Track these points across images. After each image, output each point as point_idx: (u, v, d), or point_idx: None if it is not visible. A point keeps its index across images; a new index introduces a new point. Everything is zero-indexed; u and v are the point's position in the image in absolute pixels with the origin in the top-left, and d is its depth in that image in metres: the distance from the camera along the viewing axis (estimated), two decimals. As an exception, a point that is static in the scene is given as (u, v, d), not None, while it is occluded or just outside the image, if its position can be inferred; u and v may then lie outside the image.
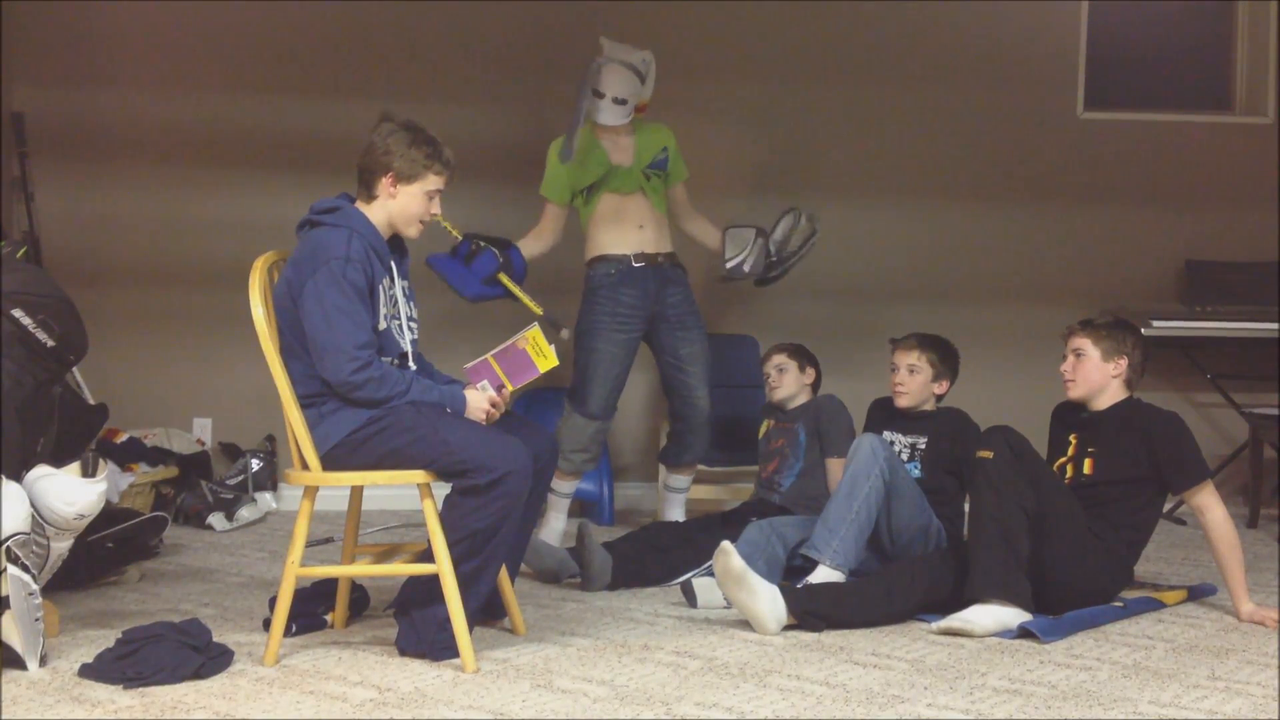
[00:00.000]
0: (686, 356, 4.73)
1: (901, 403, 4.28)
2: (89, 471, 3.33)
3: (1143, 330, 5.16)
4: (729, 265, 4.82)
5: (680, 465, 4.89)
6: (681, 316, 4.74)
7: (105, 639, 3.23)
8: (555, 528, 4.72)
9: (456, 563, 3.20)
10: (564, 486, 4.70)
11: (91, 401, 4.92)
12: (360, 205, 3.39)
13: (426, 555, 3.27)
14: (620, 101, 4.65)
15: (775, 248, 4.89)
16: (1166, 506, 4.46)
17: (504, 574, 3.44)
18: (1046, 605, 3.66)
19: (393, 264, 3.40)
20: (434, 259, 4.50)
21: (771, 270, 4.92)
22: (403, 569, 3.38)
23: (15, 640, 3.07)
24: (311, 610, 3.56)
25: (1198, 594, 4.08)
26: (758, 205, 5.88)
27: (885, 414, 4.37)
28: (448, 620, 3.19)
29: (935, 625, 3.61)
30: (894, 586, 3.69)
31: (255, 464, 5.49)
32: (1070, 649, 3.47)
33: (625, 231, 4.70)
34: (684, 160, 4.87)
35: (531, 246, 4.71)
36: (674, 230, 4.88)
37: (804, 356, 4.67)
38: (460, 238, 4.46)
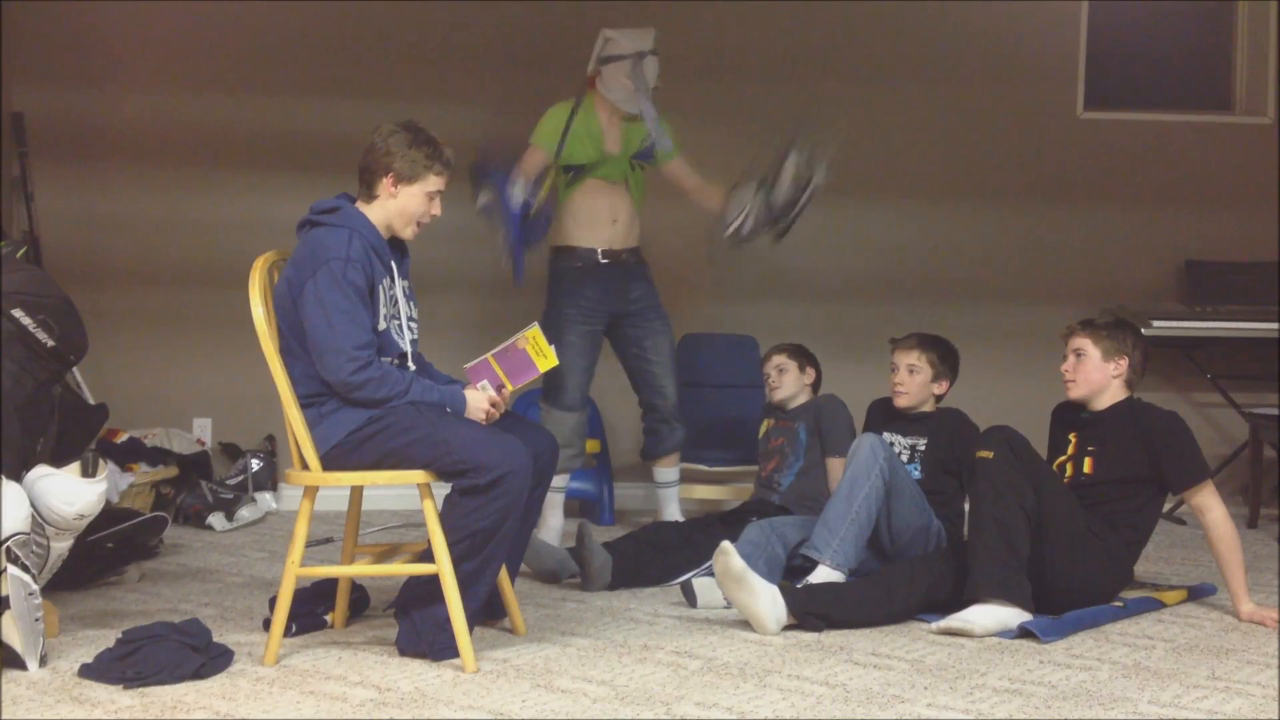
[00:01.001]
0: (651, 347, 4.77)
1: (901, 403, 4.28)
2: (89, 471, 3.33)
3: (1143, 330, 5.17)
4: (727, 234, 4.61)
5: (660, 456, 4.89)
6: (644, 310, 4.77)
7: (105, 639, 3.23)
8: (553, 526, 4.72)
9: (456, 563, 3.20)
10: (557, 482, 4.69)
11: (91, 401, 4.92)
12: (360, 205, 3.39)
13: (426, 555, 3.27)
14: (656, 88, 4.68)
15: (778, 201, 4.54)
16: (1166, 506, 4.46)
17: (504, 574, 3.44)
18: (1046, 605, 3.66)
19: (393, 264, 3.40)
20: (515, 232, 4.36)
21: (779, 224, 4.59)
22: (403, 569, 3.38)
23: (15, 640, 3.07)
24: (311, 610, 3.56)
25: (1198, 594, 4.08)
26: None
27: (885, 414, 4.36)
28: (448, 620, 3.19)
29: (935, 625, 3.61)
30: (894, 586, 3.69)
31: (255, 464, 5.49)
32: (1070, 649, 3.47)
33: (598, 226, 4.71)
34: (675, 140, 4.81)
35: (522, 188, 4.54)
36: (694, 205, 4.85)
37: (804, 356, 4.67)
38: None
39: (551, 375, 4.61)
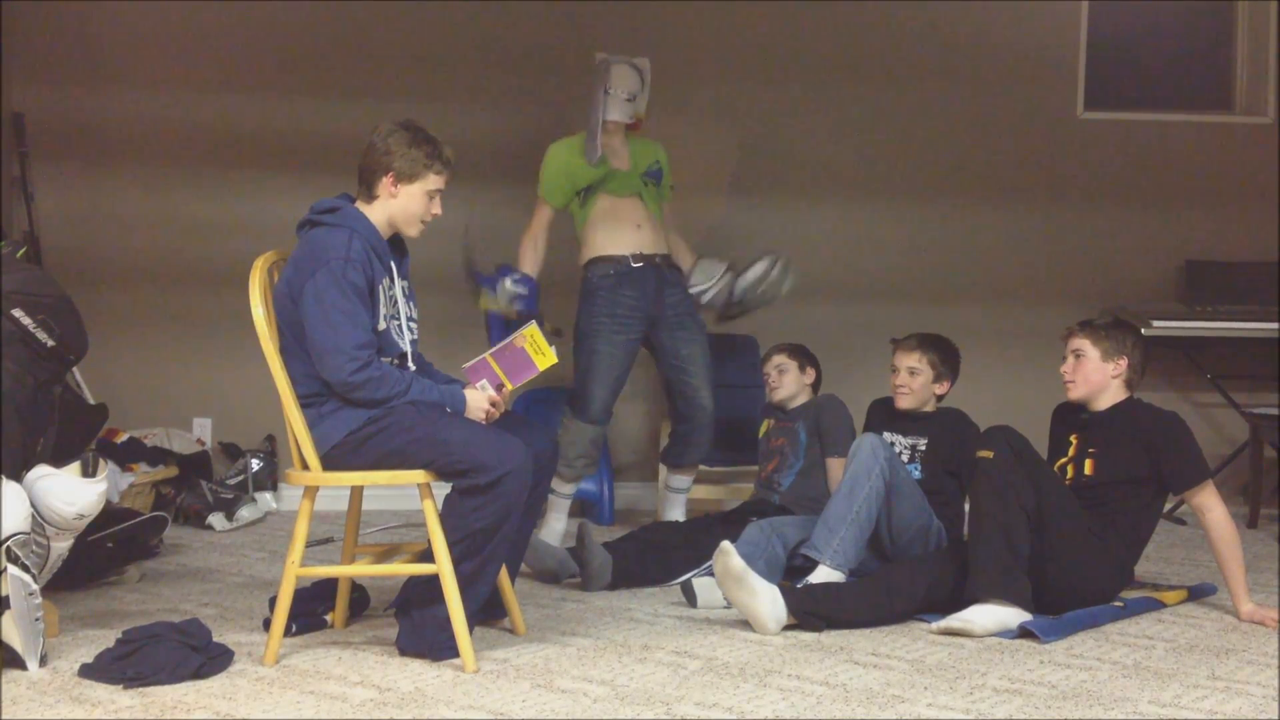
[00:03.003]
0: (687, 357, 4.73)
1: (903, 404, 4.28)
2: (89, 471, 3.33)
3: (1143, 330, 5.17)
4: (692, 291, 4.85)
5: (683, 466, 4.88)
6: (680, 317, 4.74)
7: (105, 639, 3.23)
8: (555, 528, 4.72)
9: (456, 562, 3.20)
10: (564, 488, 4.70)
11: (91, 401, 4.92)
12: (361, 205, 3.39)
13: (426, 555, 3.27)
14: (629, 99, 4.69)
15: (742, 290, 4.91)
16: (1166, 506, 4.45)
17: (504, 574, 3.44)
18: (1046, 605, 3.66)
19: (392, 264, 3.40)
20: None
21: (731, 310, 4.96)
22: (403, 569, 3.39)
23: (15, 640, 3.07)
24: (311, 610, 3.56)
25: (1198, 594, 4.08)
26: (757, 207, 5.90)
27: (885, 414, 4.36)
28: (448, 620, 3.19)
29: (935, 625, 3.61)
30: (894, 586, 3.69)
31: (255, 464, 5.49)
32: (1070, 649, 3.47)
33: (623, 231, 4.70)
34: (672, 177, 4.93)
35: (532, 258, 4.72)
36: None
37: (804, 356, 4.67)
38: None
39: (581, 381, 4.62)
